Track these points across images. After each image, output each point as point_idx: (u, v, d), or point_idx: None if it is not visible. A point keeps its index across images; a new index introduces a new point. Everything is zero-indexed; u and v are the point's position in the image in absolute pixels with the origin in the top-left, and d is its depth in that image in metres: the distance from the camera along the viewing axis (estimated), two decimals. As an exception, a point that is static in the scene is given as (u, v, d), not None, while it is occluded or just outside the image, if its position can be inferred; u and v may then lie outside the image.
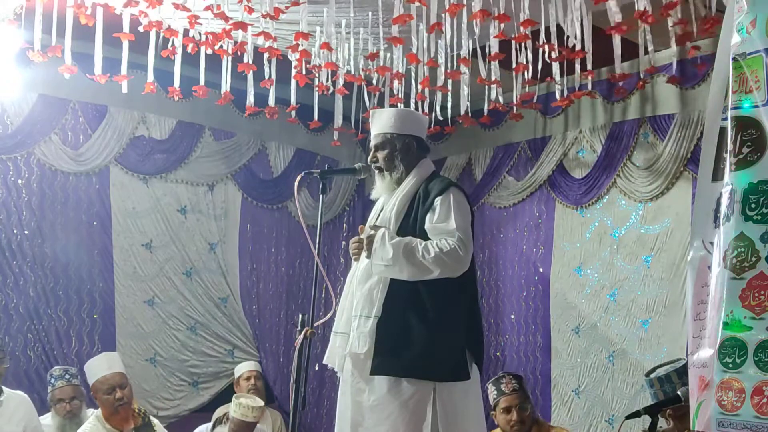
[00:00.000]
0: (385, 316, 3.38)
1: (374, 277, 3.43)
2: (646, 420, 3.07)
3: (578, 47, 4.65)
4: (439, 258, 3.31)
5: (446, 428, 3.35)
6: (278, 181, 6.76)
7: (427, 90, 5.18)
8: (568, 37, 4.61)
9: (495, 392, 4.44)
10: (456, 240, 3.33)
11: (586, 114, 5.93)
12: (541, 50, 4.74)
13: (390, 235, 3.39)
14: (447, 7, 4.34)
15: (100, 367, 4.50)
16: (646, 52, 4.65)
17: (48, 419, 4.83)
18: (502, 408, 4.39)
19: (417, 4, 4.35)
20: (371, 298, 3.42)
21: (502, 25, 4.48)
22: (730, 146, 1.98)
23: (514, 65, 4.88)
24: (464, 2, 4.36)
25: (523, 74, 4.89)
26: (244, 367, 6.03)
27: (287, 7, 4.34)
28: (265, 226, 6.72)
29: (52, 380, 4.81)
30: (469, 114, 5.38)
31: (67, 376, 4.79)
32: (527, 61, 4.80)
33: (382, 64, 5.09)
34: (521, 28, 4.51)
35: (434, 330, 3.36)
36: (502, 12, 4.36)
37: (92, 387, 4.49)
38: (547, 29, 4.63)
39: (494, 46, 4.66)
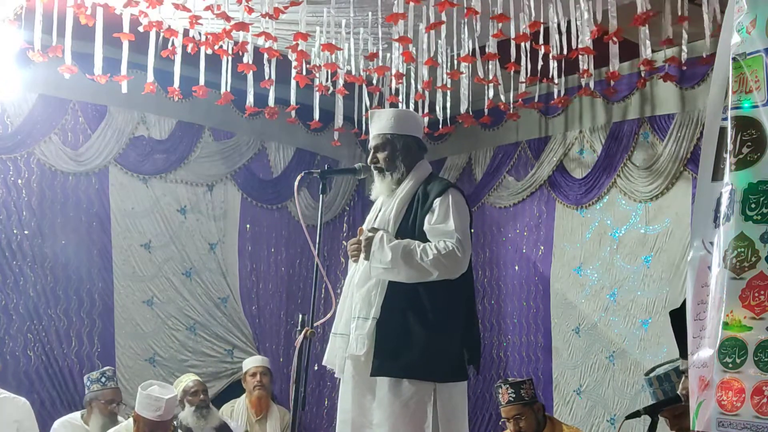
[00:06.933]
0: (384, 317, 3.39)
1: (373, 279, 3.43)
2: (646, 420, 3.07)
3: (579, 47, 4.64)
4: (437, 260, 3.31)
5: (446, 427, 3.36)
6: (278, 181, 6.76)
7: (426, 90, 5.18)
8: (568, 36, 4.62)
9: (496, 399, 4.46)
10: (455, 241, 3.33)
11: (586, 114, 5.94)
12: (540, 50, 4.74)
13: (388, 238, 3.39)
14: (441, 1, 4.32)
15: (157, 409, 4.42)
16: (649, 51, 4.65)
17: (77, 418, 4.92)
18: (503, 418, 4.42)
19: (413, 4, 4.34)
20: (369, 300, 3.42)
21: (500, 25, 4.47)
22: (730, 146, 1.98)
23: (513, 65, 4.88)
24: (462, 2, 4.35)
25: (524, 74, 4.89)
26: (251, 363, 5.91)
27: (286, 7, 4.33)
28: (265, 226, 6.72)
29: (89, 383, 4.91)
30: (471, 113, 5.37)
31: (103, 380, 4.89)
32: (527, 61, 4.80)
33: (381, 64, 5.08)
34: (521, 28, 4.51)
35: (434, 331, 3.37)
36: (502, 12, 4.35)
37: (136, 414, 4.48)
38: (547, 29, 4.63)
39: (493, 46, 4.65)
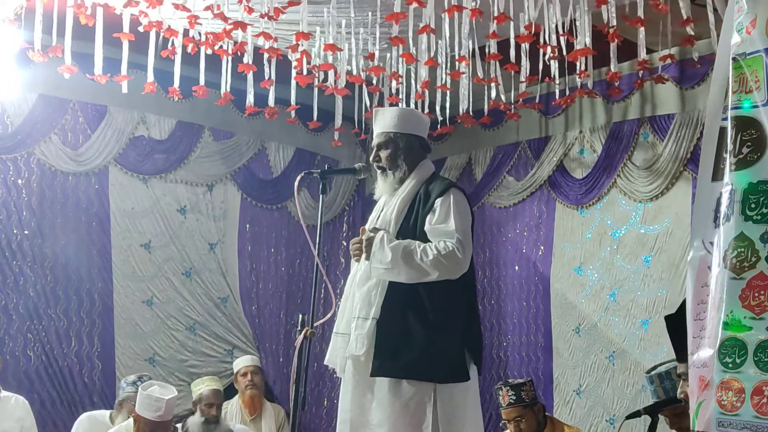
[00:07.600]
0: (384, 317, 3.39)
1: (373, 279, 3.43)
2: (646, 420, 3.07)
3: (578, 47, 4.64)
4: (437, 260, 3.31)
5: (446, 429, 3.36)
6: (278, 181, 6.75)
7: (425, 90, 5.18)
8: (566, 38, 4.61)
9: (497, 401, 4.46)
10: (455, 242, 3.33)
11: (587, 114, 5.93)
12: (541, 50, 4.73)
13: (389, 238, 3.39)
14: (446, 7, 4.33)
15: (157, 409, 4.46)
16: (648, 52, 4.64)
17: (104, 415, 5.07)
18: (504, 419, 4.42)
19: (414, 5, 4.33)
20: (369, 299, 3.43)
21: (500, 25, 4.47)
22: (730, 146, 1.99)
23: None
24: (463, 3, 4.35)
25: (524, 74, 4.88)
26: (241, 363, 6.00)
27: (285, 7, 4.33)
28: (265, 226, 6.72)
29: (125, 385, 5.10)
30: (471, 113, 5.37)
31: (139, 383, 4.95)
32: (527, 61, 4.79)
33: (380, 64, 5.08)
34: (521, 28, 4.50)
35: (434, 331, 3.36)
36: (502, 11, 4.34)
37: (136, 414, 4.53)
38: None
39: (493, 46, 4.65)
